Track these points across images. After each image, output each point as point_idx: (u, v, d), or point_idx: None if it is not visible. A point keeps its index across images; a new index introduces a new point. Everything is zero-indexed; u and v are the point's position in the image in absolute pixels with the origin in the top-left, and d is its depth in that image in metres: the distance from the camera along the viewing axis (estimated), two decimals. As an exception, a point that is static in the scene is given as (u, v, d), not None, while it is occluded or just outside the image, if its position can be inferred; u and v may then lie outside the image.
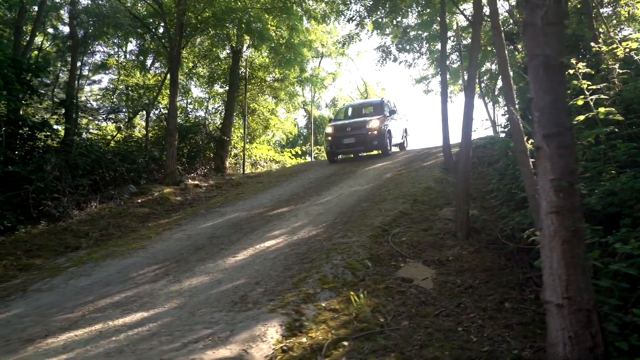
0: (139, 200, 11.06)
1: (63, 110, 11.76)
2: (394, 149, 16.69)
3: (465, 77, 20.28)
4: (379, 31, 14.93)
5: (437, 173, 10.66)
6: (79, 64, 14.45)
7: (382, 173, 12.13)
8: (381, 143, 14.38)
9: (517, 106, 6.23)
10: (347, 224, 7.35)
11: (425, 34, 15.45)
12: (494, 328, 4.21)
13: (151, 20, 13.71)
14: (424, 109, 70.12)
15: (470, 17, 11.92)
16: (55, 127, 11.52)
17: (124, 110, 14.44)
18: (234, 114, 16.10)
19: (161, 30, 14.46)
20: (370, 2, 11.83)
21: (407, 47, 15.81)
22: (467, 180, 6.56)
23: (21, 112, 10.75)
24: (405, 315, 4.43)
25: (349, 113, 16.69)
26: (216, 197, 11.91)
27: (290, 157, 20.55)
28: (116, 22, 11.76)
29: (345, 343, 3.82)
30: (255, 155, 17.58)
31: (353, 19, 12.76)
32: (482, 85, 21.14)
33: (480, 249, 6.10)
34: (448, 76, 23.47)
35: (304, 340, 3.88)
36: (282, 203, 9.94)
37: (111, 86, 15.06)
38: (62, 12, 14.64)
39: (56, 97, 13.28)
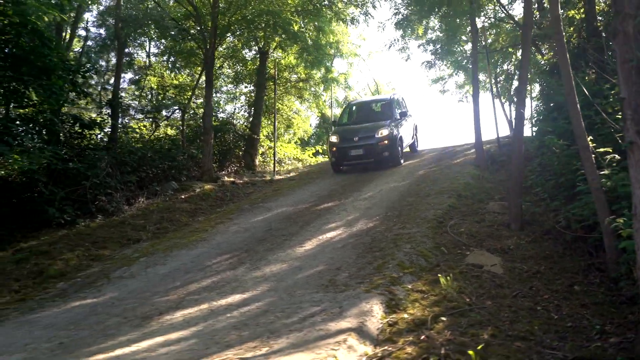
0: (183, 196, 11.47)
1: (108, 110, 12.20)
2: (405, 149, 15.04)
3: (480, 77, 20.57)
4: (416, 34, 15.28)
5: (471, 170, 11.10)
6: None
7: (413, 170, 12.55)
8: (393, 154, 12.88)
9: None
10: (400, 217, 7.77)
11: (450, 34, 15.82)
12: (571, 307, 4.64)
13: (185, 23, 14.12)
14: (438, 108, 70.58)
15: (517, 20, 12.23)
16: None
17: (162, 109, 14.91)
18: (261, 113, 16.54)
19: (192, 31, 14.84)
20: (417, 6, 12.02)
21: (433, 49, 16.18)
22: (521, 175, 7.00)
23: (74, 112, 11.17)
24: (487, 296, 4.86)
25: (355, 113, 15.05)
26: (254, 194, 12.32)
27: (309, 155, 20.99)
28: (161, 25, 12.20)
29: (443, 318, 4.23)
30: (281, 154, 18.01)
31: (401, 24, 13.03)
32: (499, 85, 21.54)
33: (536, 238, 6.54)
34: (464, 76, 24.02)
35: (405, 316, 4.31)
36: (324, 199, 10.35)
37: (147, 86, 15.49)
38: (90, 15, 15.05)
39: (95, 96, 13.72)
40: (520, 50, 18.43)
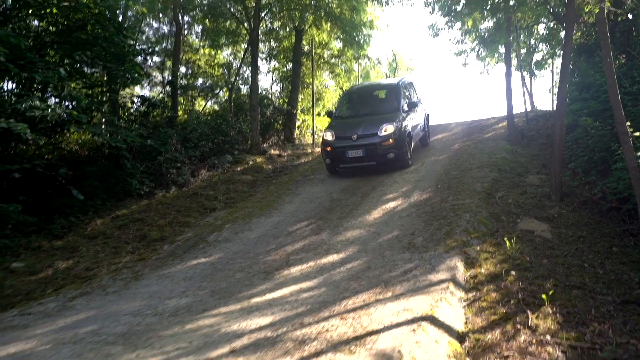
0: (239, 169, 12.57)
1: (168, 88, 13.20)
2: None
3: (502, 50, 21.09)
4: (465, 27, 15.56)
5: (505, 145, 12.07)
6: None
7: (447, 145, 13.54)
8: (399, 155, 10.69)
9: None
10: (450, 189, 8.82)
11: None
12: (612, 265, 5.73)
13: (229, 5, 14.92)
14: (459, 80, 70.45)
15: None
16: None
17: (214, 87, 15.87)
18: (298, 88, 17.45)
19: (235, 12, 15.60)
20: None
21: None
22: (562, 152, 8.00)
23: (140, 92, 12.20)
24: (542, 255, 5.95)
25: (356, 102, 12.56)
26: (301, 166, 13.39)
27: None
28: (219, 10, 13.03)
29: (513, 273, 5.34)
30: (316, 127, 18.99)
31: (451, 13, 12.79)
32: (521, 58, 22.14)
33: (575, 208, 7.61)
34: (484, 50, 24.59)
35: (482, 270, 5.42)
36: (372, 170, 11.32)
37: (195, 66, 16.39)
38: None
39: (154, 76, 14.72)
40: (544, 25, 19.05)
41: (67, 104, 9.47)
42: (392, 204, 8.48)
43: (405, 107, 11.56)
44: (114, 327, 4.44)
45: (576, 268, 5.60)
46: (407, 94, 12.43)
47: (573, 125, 9.99)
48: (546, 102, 55.40)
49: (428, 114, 14.25)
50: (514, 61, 22.07)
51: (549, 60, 22.56)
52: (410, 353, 3.26)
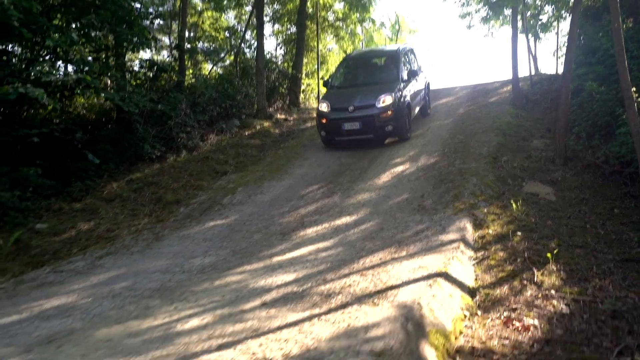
0: (247, 133, 12.74)
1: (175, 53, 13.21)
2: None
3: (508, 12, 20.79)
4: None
5: (509, 109, 12.21)
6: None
7: (452, 109, 13.67)
8: (398, 127, 10.25)
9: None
10: (457, 153, 9.03)
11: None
12: (613, 225, 6.02)
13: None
14: (463, 43, 69.33)
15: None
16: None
17: (221, 52, 15.82)
18: (303, 52, 17.40)
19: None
20: None
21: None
22: (567, 117, 8.18)
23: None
24: (546, 217, 6.23)
25: (352, 70, 12.03)
26: (308, 130, 13.53)
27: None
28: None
29: (519, 233, 5.62)
30: (321, 91, 19.01)
31: None
32: (526, 20, 21.91)
33: (578, 172, 7.86)
34: (489, 12, 24.32)
35: (490, 231, 5.71)
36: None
37: (200, 30, 16.28)
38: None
39: (160, 40, 14.66)
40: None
41: (73, 68, 9.58)
42: (400, 168, 8.72)
43: (405, 76, 11.08)
44: (147, 283, 4.75)
45: (579, 229, 5.88)
46: (407, 61, 11.94)
47: (578, 90, 10.11)
48: (550, 65, 54.88)
49: (429, 82, 13.78)
50: (519, 24, 21.86)
51: (554, 23, 22.34)
52: (428, 305, 3.56)
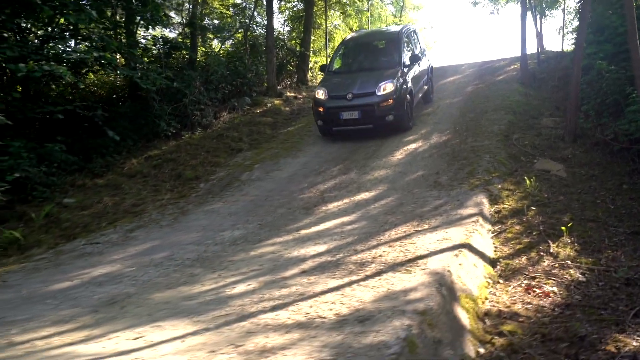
0: (258, 111, 12.91)
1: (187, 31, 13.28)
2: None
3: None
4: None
5: (518, 87, 12.37)
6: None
7: (461, 87, 13.82)
8: (399, 116, 9.63)
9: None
10: (468, 131, 9.25)
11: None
12: (623, 200, 6.30)
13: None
14: (468, 20, 68.76)
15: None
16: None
17: (231, 29, 15.87)
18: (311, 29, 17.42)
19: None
20: None
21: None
22: (578, 94, 8.38)
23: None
24: (558, 192, 6.49)
25: (352, 54, 11.45)
26: (318, 108, 13.70)
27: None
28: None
29: (533, 208, 5.89)
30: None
31: None
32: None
33: (587, 149, 8.10)
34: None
35: (505, 206, 5.98)
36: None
37: (209, 7, 16.23)
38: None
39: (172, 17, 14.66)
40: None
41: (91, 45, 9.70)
42: (413, 146, 8.95)
43: (407, 61, 10.37)
44: (184, 254, 5.03)
45: (590, 204, 6.16)
46: (409, 44, 11.29)
47: (586, 68, 10.26)
48: (554, 43, 54.49)
49: (432, 66, 13.10)
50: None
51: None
52: (456, 272, 3.84)
